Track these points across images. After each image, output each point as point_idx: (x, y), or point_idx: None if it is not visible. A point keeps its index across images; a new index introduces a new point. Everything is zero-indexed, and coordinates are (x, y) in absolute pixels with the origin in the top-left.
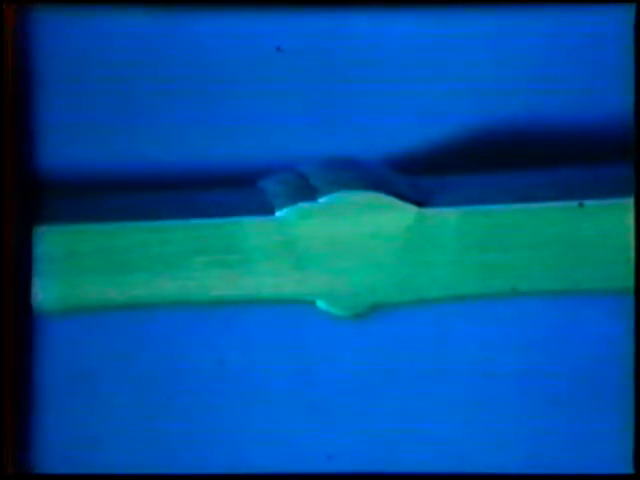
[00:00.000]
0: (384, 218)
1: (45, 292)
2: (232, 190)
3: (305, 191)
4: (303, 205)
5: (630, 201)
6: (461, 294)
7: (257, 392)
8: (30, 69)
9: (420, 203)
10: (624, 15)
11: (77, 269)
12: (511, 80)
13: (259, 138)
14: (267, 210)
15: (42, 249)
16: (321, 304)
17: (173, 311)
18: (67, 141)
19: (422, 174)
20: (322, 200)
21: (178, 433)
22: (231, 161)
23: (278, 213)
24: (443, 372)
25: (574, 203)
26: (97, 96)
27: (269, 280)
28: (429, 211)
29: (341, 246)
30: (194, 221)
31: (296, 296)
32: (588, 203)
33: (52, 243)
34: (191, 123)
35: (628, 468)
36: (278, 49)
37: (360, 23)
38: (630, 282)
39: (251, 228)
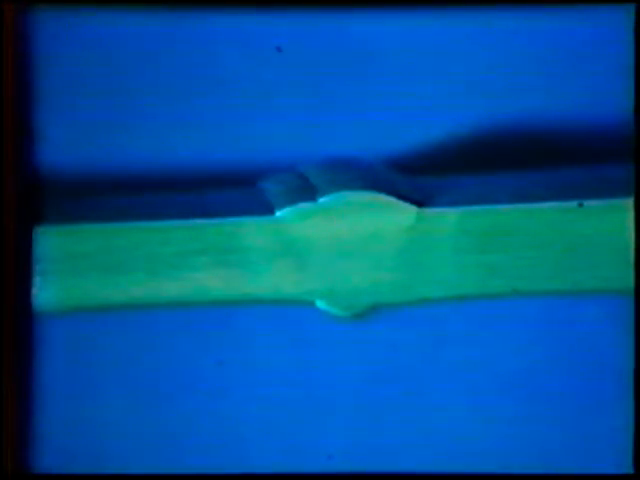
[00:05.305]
0: (384, 218)
1: (45, 292)
2: (232, 190)
3: (305, 191)
4: (303, 205)
5: (630, 201)
6: (461, 294)
7: (257, 392)
8: (30, 69)
9: (420, 203)
10: (624, 15)
11: (77, 269)
12: (511, 80)
13: (259, 138)
14: (267, 210)
15: (42, 249)
16: (321, 304)
17: (173, 311)
18: (67, 141)
19: (422, 174)
20: (322, 200)
21: (178, 433)
22: (231, 161)
23: (278, 213)
24: (443, 372)
25: (574, 203)
26: (97, 96)
27: (269, 280)
28: (429, 211)
29: (341, 246)
30: (194, 221)
31: (296, 296)
32: (588, 203)
33: (52, 243)
34: (191, 123)
35: (628, 468)
36: (278, 49)
37: (360, 23)
38: (630, 282)
39: (251, 228)
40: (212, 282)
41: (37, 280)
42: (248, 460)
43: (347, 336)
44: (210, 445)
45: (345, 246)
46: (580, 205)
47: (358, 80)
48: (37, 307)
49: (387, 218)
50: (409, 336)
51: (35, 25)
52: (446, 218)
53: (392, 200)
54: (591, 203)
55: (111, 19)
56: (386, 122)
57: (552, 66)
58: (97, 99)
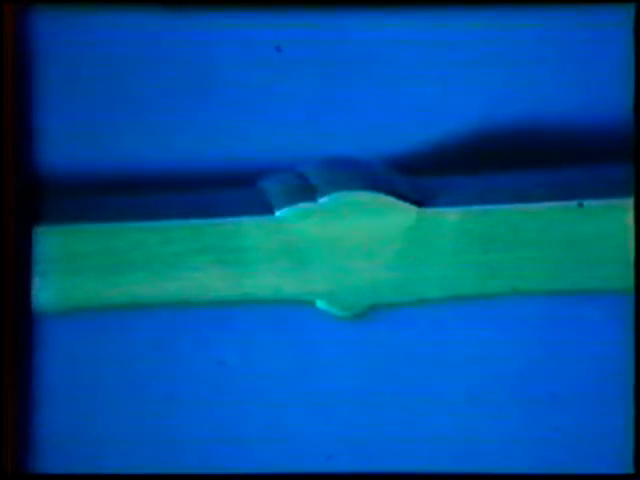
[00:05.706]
0: (384, 218)
1: (45, 292)
2: (232, 190)
3: (305, 191)
4: (303, 205)
5: (630, 201)
6: (461, 294)
7: (257, 392)
8: (30, 69)
9: (420, 203)
10: (624, 15)
11: (77, 269)
12: (511, 80)
13: (259, 138)
14: (267, 210)
15: (42, 249)
16: (321, 304)
17: (173, 311)
18: (67, 141)
19: (422, 174)
20: (322, 200)
21: (178, 433)
22: (231, 161)
23: (278, 213)
24: (443, 372)
25: (574, 203)
26: (97, 96)
27: (269, 280)
28: (429, 211)
29: (341, 246)
30: (194, 221)
31: (296, 296)
32: (588, 203)
33: (52, 243)
34: (191, 123)
35: (628, 468)
36: (278, 49)
37: (360, 23)
38: (630, 282)
39: (251, 228)
40: (212, 282)
41: (37, 280)
42: (248, 460)
43: (347, 336)
44: (210, 445)
45: (345, 246)
46: (580, 205)
47: (358, 80)
48: (37, 307)
49: (387, 218)
50: (409, 336)
51: (35, 25)
52: (446, 218)
53: (392, 200)
54: (591, 203)
55: (111, 19)
56: (386, 122)
57: (552, 66)
58: (97, 99)
